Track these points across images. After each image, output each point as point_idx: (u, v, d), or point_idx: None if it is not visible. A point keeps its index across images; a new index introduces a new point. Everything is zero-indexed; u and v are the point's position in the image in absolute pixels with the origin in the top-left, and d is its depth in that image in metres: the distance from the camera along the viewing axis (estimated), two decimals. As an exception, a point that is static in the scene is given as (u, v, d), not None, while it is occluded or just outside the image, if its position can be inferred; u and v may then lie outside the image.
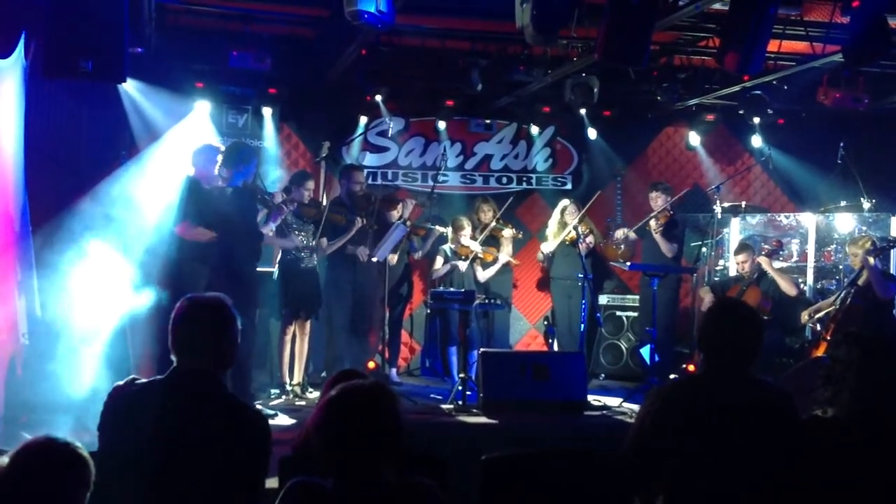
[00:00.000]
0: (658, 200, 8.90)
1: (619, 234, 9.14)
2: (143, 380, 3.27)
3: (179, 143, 8.34)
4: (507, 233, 9.16)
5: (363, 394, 2.50)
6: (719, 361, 3.48)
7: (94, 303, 6.41)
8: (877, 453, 3.18)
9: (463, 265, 8.77)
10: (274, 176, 8.96)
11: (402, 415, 2.54)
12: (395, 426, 2.50)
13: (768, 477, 3.29)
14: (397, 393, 2.73)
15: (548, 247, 9.17)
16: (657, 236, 8.81)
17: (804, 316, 8.07)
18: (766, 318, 7.99)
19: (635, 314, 9.53)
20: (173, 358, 3.24)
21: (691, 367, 8.24)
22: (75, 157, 8.35)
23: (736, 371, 3.46)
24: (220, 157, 6.81)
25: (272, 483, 3.47)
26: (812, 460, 3.24)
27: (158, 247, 6.82)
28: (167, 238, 6.77)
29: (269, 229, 7.33)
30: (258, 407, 6.62)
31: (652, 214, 8.87)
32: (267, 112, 9.18)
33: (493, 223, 8.96)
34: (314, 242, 7.74)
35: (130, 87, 8.03)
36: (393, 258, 8.37)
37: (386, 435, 2.49)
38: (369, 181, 9.34)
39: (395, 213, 8.47)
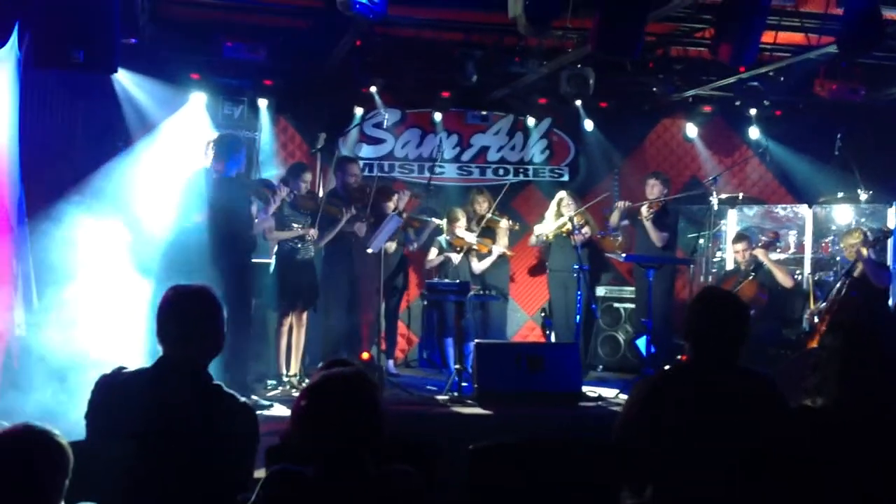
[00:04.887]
0: (654, 189, 8.86)
1: (620, 204, 9.00)
2: (130, 369, 3.28)
3: (175, 134, 8.34)
4: (504, 224, 9.12)
5: (341, 382, 2.51)
6: (705, 350, 3.50)
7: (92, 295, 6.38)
8: (863, 440, 3.19)
9: (456, 257, 8.75)
10: (271, 172, 8.96)
11: (382, 404, 2.54)
12: (372, 414, 2.50)
13: (755, 465, 3.30)
14: (378, 382, 2.74)
15: (541, 228, 9.11)
16: (647, 224, 8.74)
17: (809, 316, 8.07)
18: (760, 308, 8.03)
19: (633, 306, 9.51)
20: (160, 347, 3.26)
21: (685, 358, 8.23)
22: (71, 148, 8.34)
23: (722, 360, 3.47)
24: (210, 151, 6.85)
25: (260, 473, 3.48)
26: (800, 449, 3.25)
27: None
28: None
29: (269, 224, 7.34)
30: (253, 398, 6.68)
31: (646, 201, 8.82)
32: (262, 103, 9.16)
33: (489, 214, 8.94)
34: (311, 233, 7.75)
35: (125, 78, 8.00)
36: (391, 245, 8.35)
37: (363, 423, 2.49)
38: (366, 172, 9.32)
39: (391, 205, 8.44)
